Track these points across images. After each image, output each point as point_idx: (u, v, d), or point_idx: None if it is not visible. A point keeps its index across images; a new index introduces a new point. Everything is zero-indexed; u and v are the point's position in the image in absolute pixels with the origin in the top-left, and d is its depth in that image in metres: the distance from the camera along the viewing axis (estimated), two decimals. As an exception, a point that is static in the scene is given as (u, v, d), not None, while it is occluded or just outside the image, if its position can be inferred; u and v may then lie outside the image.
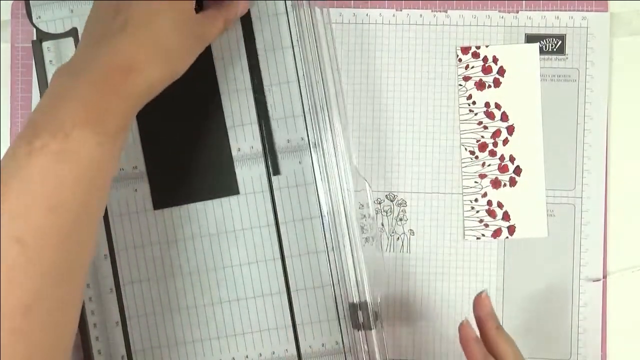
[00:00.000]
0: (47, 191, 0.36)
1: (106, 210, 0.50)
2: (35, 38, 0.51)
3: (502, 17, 0.52)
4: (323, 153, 0.48)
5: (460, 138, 0.51)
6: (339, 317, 0.50)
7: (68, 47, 0.51)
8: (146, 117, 0.47)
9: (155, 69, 0.40)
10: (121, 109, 0.39)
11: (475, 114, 0.51)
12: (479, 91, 0.51)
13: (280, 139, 0.50)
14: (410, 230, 0.51)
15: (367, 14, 0.52)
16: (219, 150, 0.50)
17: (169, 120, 0.50)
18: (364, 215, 0.51)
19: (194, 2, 0.43)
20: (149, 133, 0.50)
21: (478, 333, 0.43)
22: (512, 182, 0.51)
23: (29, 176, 0.36)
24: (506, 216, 0.51)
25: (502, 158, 0.51)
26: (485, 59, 0.51)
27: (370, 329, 0.47)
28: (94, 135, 0.37)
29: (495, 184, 0.51)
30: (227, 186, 0.50)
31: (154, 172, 0.50)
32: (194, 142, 0.50)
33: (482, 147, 0.51)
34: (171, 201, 0.50)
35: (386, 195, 0.51)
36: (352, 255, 0.47)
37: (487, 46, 0.51)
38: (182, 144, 0.50)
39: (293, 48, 0.50)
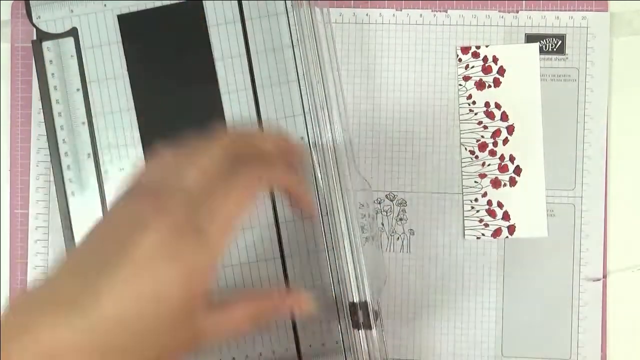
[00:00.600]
0: None
1: (105, 211, 0.50)
2: (35, 38, 0.51)
3: (502, 17, 0.52)
4: (323, 153, 0.48)
5: (460, 138, 0.51)
6: (338, 316, 0.50)
7: (68, 47, 0.51)
8: (150, 128, 0.48)
9: None
10: None
11: (475, 114, 0.51)
12: (479, 91, 0.51)
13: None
14: (410, 230, 0.51)
15: (367, 14, 0.52)
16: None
17: (172, 127, 0.50)
18: (364, 215, 0.51)
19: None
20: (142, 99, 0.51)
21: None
22: (512, 182, 0.51)
23: None
24: (506, 216, 0.51)
25: (502, 158, 0.51)
26: (485, 59, 0.51)
27: (370, 329, 0.47)
28: None
29: (495, 183, 0.51)
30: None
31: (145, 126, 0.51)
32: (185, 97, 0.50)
33: (482, 146, 0.51)
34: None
35: (386, 195, 0.51)
36: (352, 255, 0.47)
37: (487, 46, 0.51)
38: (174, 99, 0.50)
39: (293, 48, 0.50)
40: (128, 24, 0.50)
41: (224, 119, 0.50)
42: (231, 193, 0.33)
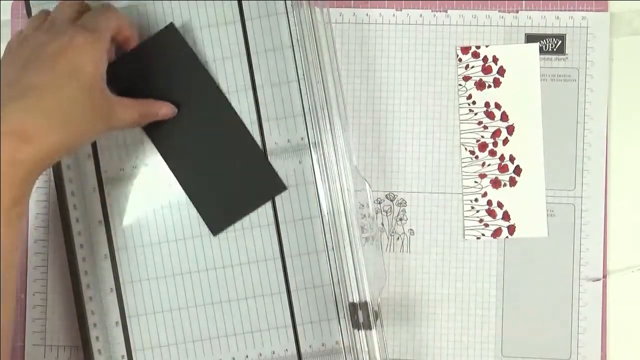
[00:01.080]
0: None
1: (106, 211, 0.50)
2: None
3: (502, 17, 0.52)
4: (323, 153, 0.48)
5: (460, 138, 0.51)
6: (339, 316, 0.50)
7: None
8: (168, 148, 0.49)
9: (49, 138, 0.39)
10: (15, 179, 0.39)
11: (475, 114, 0.51)
12: (479, 91, 0.51)
13: (279, 138, 0.50)
14: (410, 230, 0.51)
15: (367, 14, 0.52)
16: (248, 152, 0.50)
17: (189, 141, 0.50)
18: (364, 215, 0.51)
19: (103, 85, 0.43)
20: (175, 161, 0.50)
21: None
22: (512, 182, 0.51)
23: None
24: (506, 216, 0.51)
25: (502, 158, 0.51)
26: (485, 59, 0.51)
27: (370, 329, 0.47)
28: None
29: (495, 183, 0.51)
30: (275, 184, 0.50)
31: (199, 202, 0.50)
32: (221, 155, 0.50)
33: (482, 146, 0.51)
34: (228, 221, 0.50)
35: (386, 195, 0.51)
36: (352, 255, 0.47)
37: (487, 46, 0.51)
38: (211, 161, 0.50)
39: (293, 48, 0.50)
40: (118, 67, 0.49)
41: (239, 118, 0.50)
42: (103, 14, 0.45)
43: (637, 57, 0.51)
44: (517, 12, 0.52)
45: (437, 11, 0.52)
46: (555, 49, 0.51)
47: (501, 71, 0.51)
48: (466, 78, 0.51)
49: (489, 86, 0.51)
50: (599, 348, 0.51)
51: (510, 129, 0.51)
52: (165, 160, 0.50)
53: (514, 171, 0.51)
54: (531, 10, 0.52)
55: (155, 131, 0.50)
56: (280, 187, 0.50)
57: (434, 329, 0.51)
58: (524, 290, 0.51)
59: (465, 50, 0.52)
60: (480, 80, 0.51)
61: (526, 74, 0.51)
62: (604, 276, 0.51)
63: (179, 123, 0.49)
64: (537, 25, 0.51)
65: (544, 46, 0.51)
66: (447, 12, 0.52)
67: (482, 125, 0.51)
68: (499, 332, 0.51)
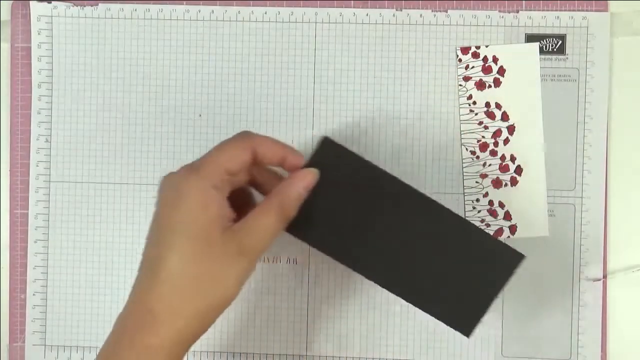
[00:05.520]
0: None
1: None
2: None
3: (502, 17, 0.52)
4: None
5: (461, 138, 0.51)
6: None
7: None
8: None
9: (178, 318, 0.35)
10: None
11: (476, 114, 0.51)
12: (479, 91, 0.51)
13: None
14: (411, 230, 0.51)
15: (367, 14, 0.52)
16: (468, 238, 0.43)
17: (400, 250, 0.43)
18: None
19: (222, 209, 0.38)
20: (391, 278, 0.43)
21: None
22: (513, 182, 0.51)
23: None
24: (507, 216, 0.51)
25: (503, 158, 0.51)
26: (485, 59, 0.51)
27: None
28: None
29: (497, 183, 0.51)
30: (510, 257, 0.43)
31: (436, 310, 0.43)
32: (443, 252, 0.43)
33: (483, 147, 0.51)
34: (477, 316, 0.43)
35: (386, 195, 0.51)
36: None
37: (487, 46, 0.52)
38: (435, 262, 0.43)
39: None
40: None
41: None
42: (221, 149, 0.39)
43: (637, 57, 0.52)
44: (517, 12, 0.52)
45: (437, 11, 0.52)
46: (555, 49, 0.51)
47: (501, 71, 0.51)
48: (466, 78, 0.51)
49: (489, 86, 0.51)
50: (599, 348, 0.51)
51: (511, 129, 0.51)
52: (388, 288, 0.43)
53: (515, 171, 0.51)
54: (531, 10, 0.52)
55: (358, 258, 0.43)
56: (517, 256, 0.43)
57: (434, 329, 0.51)
58: (524, 290, 0.51)
59: (465, 50, 0.52)
60: (481, 80, 0.51)
61: (526, 74, 0.51)
62: (604, 276, 0.51)
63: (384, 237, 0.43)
64: (537, 25, 0.51)
65: (544, 46, 0.51)
66: (447, 12, 0.52)
67: (483, 125, 0.51)
68: (499, 332, 0.51)
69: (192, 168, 0.38)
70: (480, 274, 0.43)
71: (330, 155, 0.42)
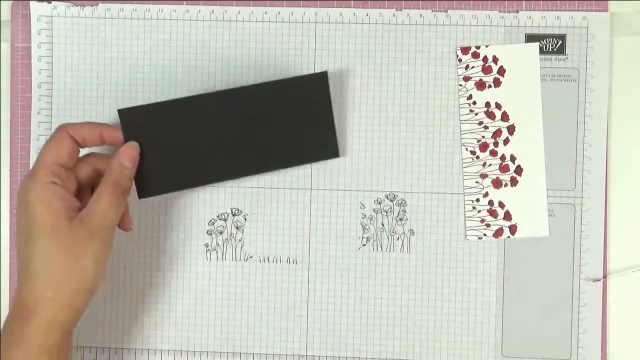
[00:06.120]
0: None
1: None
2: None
3: (502, 17, 0.52)
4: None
5: (461, 138, 0.51)
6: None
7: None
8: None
9: (47, 307, 0.41)
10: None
11: (476, 114, 0.51)
12: (479, 91, 0.51)
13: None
14: (411, 230, 0.51)
15: (367, 14, 0.52)
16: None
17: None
18: (364, 216, 0.51)
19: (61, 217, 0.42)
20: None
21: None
22: (513, 182, 0.51)
23: None
24: (507, 216, 0.51)
25: (503, 158, 0.51)
26: (485, 59, 0.51)
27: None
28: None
29: (497, 183, 0.51)
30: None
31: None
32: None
33: (483, 147, 0.51)
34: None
35: (386, 195, 0.51)
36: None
37: (487, 46, 0.51)
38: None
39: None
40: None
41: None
42: (43, 148, 0.44)
43: (637, 57, 0.52)
44: (517, 12, 0.52)
45: (437, 11, 0.52)
46: (555, 49, 0.51)
47: (501, 71, 0.51)
48: (466, 78, 0.51)
49: (489, 86, 0.51)
50: (599, 348, 0.51)
51: (511, 129, 0.51)
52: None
53: (515, 171, 0.51)
54: (531, 10, 0.52)
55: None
56: (321, 76, 0.49)
57: (434, 329, 0.51)
58: (524, 290, 0.51)
59: (465, 50, 0.52)
60: (481, 80, 0.51)
61: (526, 74, 0.51)
62: (604, 276, 0.51)
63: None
64: (537, 25, 0.51)
65: (544, 46, 0.51)
66: (447, 12, 0.52)
67: (483, 125, 0.51)
68: (499, 332, 0.51)
69: (28, 174, 0.43)
70: (309, 109, 0.49)
71: (135, 120, 0.47)
